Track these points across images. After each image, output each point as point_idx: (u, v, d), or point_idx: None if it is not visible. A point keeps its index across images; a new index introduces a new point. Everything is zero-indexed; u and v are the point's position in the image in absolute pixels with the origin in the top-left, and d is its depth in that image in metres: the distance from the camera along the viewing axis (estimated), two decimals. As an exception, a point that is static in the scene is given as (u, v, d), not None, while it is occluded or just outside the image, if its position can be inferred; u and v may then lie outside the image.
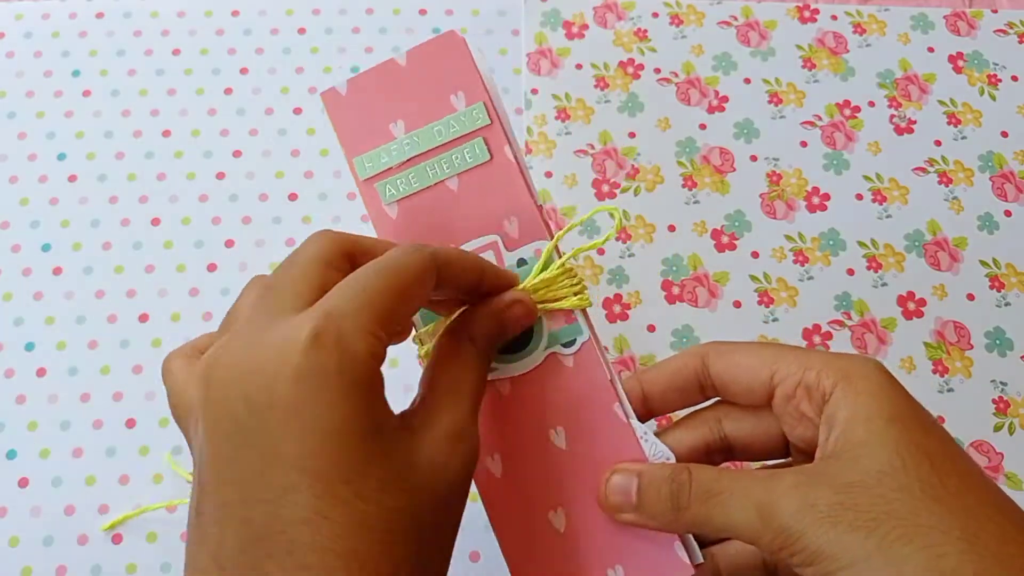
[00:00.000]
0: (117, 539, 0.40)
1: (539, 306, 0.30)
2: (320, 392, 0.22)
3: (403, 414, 0.26)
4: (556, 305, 0.30)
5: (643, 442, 0.30)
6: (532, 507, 0.30)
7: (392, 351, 0.27)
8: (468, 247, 0.31)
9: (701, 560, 0.29)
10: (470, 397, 0.27)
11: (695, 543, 0.29)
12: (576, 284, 0.30)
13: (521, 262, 0.31)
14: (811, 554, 0.24)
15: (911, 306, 0.47)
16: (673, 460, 0.29)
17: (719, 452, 0.31)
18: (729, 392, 0.30)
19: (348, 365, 0.23)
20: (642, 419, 0.31)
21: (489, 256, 0.31)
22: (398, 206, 0.31)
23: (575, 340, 0.30)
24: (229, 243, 0.47)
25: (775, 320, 0.46)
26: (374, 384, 0.24)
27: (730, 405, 0.31)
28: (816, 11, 0.55)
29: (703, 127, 0.51)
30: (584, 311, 0.31)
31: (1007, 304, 0.47)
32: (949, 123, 0.52)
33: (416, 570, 0.23)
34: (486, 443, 0.30)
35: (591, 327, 0.31)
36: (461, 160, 0.31)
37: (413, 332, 0.30)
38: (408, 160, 0.31)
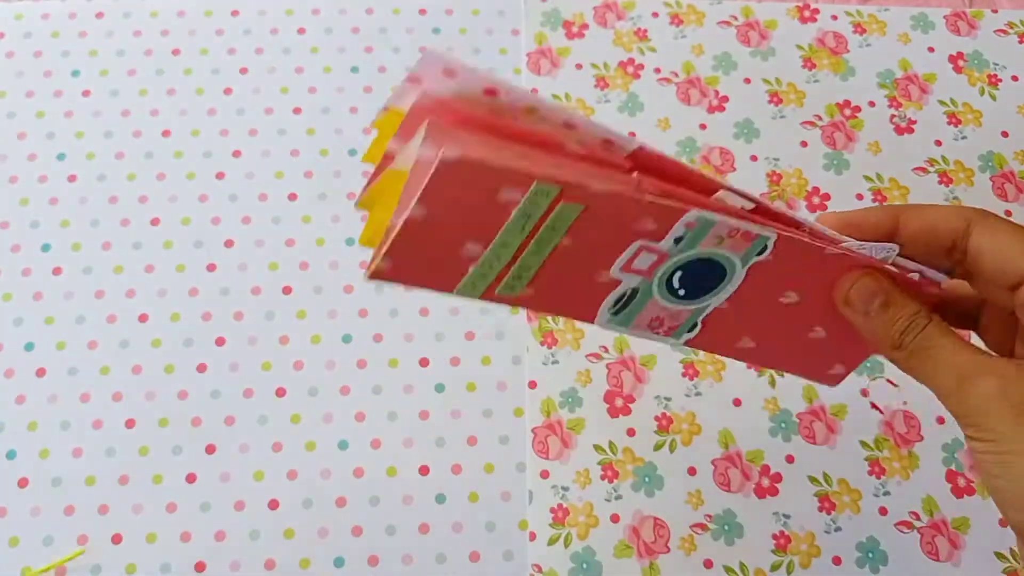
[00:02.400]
0: (117, 539, 0.40)
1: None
2: None
3: None
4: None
5: (862, 250, 0.30)
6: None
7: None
8: (616, 274, 0.30)
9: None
10: None
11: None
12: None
13: (677, 240, 0.29)
14: (988, 431, 0.26)
15: (911, 306, 0.47)
16: (896, 250, 0.30)
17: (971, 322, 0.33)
18: (979, 267, 0.30)
19: None
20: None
21: (647, 258, 0.30)
22: (528, 289, 0.29)
23: (765, 247, 0.30)
24: (229, 243, 0.47)
25: (775, 320, 0.46)
26: None
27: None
28: (816, 11, 0.55)
29: (703, 127, 0.51)
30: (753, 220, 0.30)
31: (1007, 304, 0.47)
32: (949, 123, 0.52)
33: None
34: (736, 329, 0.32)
35: (774, 224, 0.30)
36: (561, 225, 0.28)
37: None
38: (511, 259, 0.28)
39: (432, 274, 0.29)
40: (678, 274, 0.31)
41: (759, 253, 0.31)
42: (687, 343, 0.32)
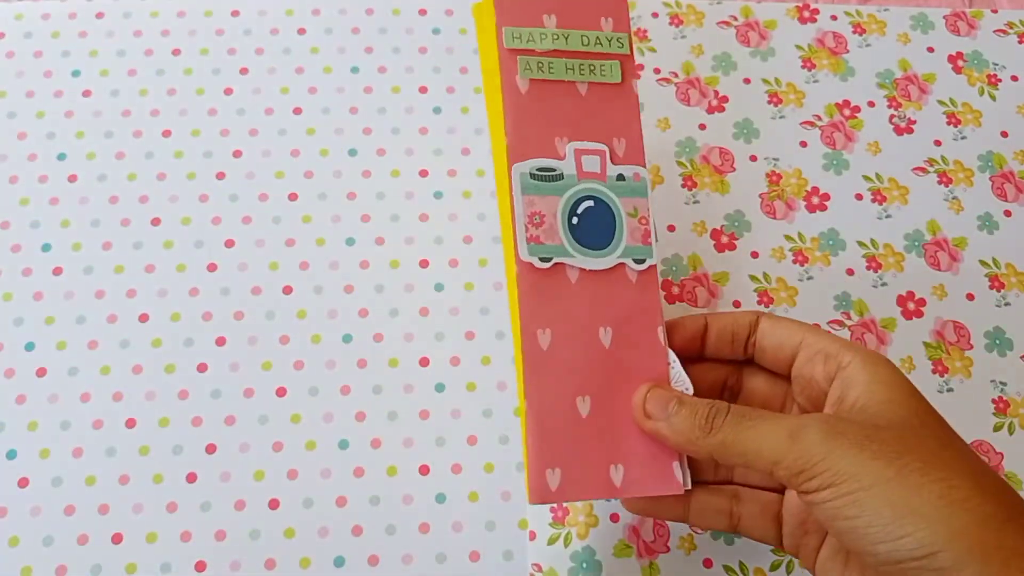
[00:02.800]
0: (117, 539, 0.40)
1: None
2: None
3: None
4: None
5: (671, 368, 0.34)
6: (564, 387, 0.33)
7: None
8: (578, 145, 0.34)
9: (690, 487, 0.33)
10: None
11: (688, 470, 0.33)
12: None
13: (620, 177, 0.35)
14: (833, 475, 0.27)
15: (911, 306, 0.47)
16: (691, 391, 0.33)
17: (729, 398, 0.35)
18: (764, 348, 0.34)
19: None
20: (691, 354, 0.35)
21: (595, 160, 0.35)
22: (530, 83, 0.35)
23: (645, 260, 0.35)
24: (229, 243, 0.47)
25: (775, 320, 0.46)
26: None
27: (755, 365, 0.35)
28: (816, 11, 0.55)
29: (703, 127, 0.51)
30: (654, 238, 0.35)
31: (1007, 304, 0.47)
32: (949, 123, 0.52)
33: None
34: (541, 316, 0.33)
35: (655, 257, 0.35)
36: (597, 72, 0.35)
37: None
38: (552, 51, 0.35)
39: (515, 3, 0.35)
40: (587, 203, 0.34)
41: (639, 261, 0.34)
42: (519, 269, 0.33)
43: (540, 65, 0.35)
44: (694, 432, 0.30)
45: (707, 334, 0.35)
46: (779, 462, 0.28)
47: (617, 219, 0.34)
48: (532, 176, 0.34)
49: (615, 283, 0.34)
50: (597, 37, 0.35)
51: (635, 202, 0.35)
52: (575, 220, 0.34)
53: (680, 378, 0.33)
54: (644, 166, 0.35)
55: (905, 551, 0.26)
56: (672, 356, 0.34)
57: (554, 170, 0.34)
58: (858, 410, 0.29)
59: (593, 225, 0.34)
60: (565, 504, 0.42)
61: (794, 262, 0.48)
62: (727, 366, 0.36)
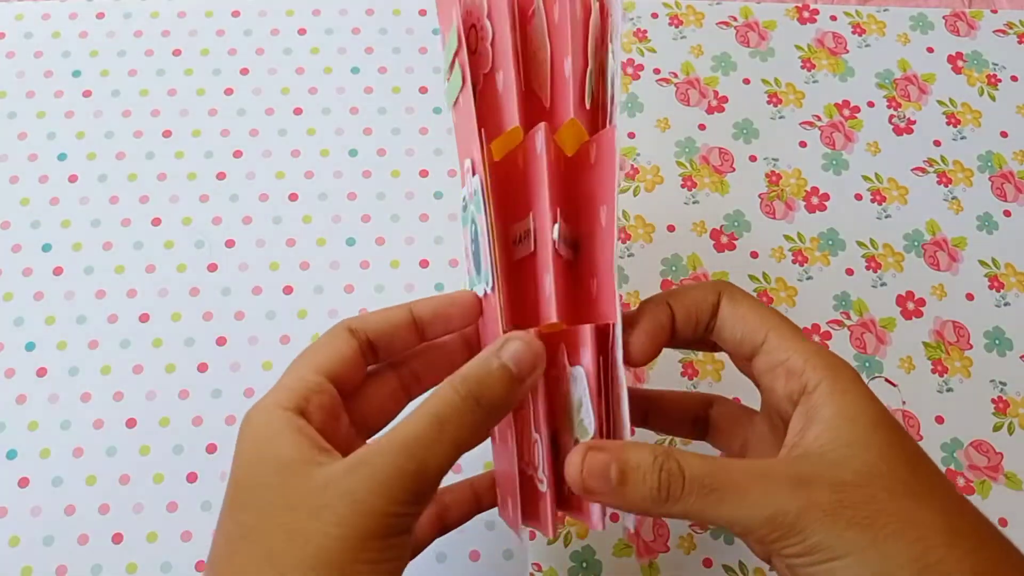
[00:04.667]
0: (117, 539, 0.40)
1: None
2: None
3: None
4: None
5: (580, 408, 0.29)
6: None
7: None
8: (464, 166, 0.32)
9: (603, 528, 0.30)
10: None
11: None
12: None
13: (474, 194, 0.31)
14: (810, 546, 0.26)
15: (910, 306, 0.47)
16: (629, 431, 0.29)
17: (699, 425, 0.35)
18: (724, 339, 0.31)
19: None
20: (661, 347, 0.31)
21: (467, 179, 0.31)
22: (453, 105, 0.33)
23: (479, 287, 0.31)
24: (229, 243, 0.47)
25: (775, 320, 0.46)
26: None
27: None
28: (815, 11, 0.55)
29: (702, 127, 0.51)
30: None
31: (1006, 304, 0.47)
32: (948, 123, 0.52)
33: None
34: (485, 340, 0.32)
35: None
36: (454, 81, 0.32)
37: None
38: (450, 65, 0.32)
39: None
40: (472, 227, 0.32)
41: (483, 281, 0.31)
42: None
43: (449, 89, 0.33)
44: (652, 502, 0.26)
45: (674, 322, 0.31)
46: (752, 533, 0.26)
47: (483, 241, 0.31)
48: (463, 208, 0.33)
49: (489, 310, 0.31)
50: (448, 41, 0.32)
51: (481, 219, 0.30)
52: (472, 247, 0.32)
53: (590, 417, 0.29)
54: (481, 175, 0.30)
55: None
56: (584, 389, 0.29)
57: (463, 198, 0.33)
58: (821, 452, 0.27)
59: (476, 250, 0.31)
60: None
61: (793, 262, 0.48)
62: (694, 399, 0.35)
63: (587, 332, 0.29)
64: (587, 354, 0.29)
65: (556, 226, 0.29)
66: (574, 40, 0.31)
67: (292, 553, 0.25)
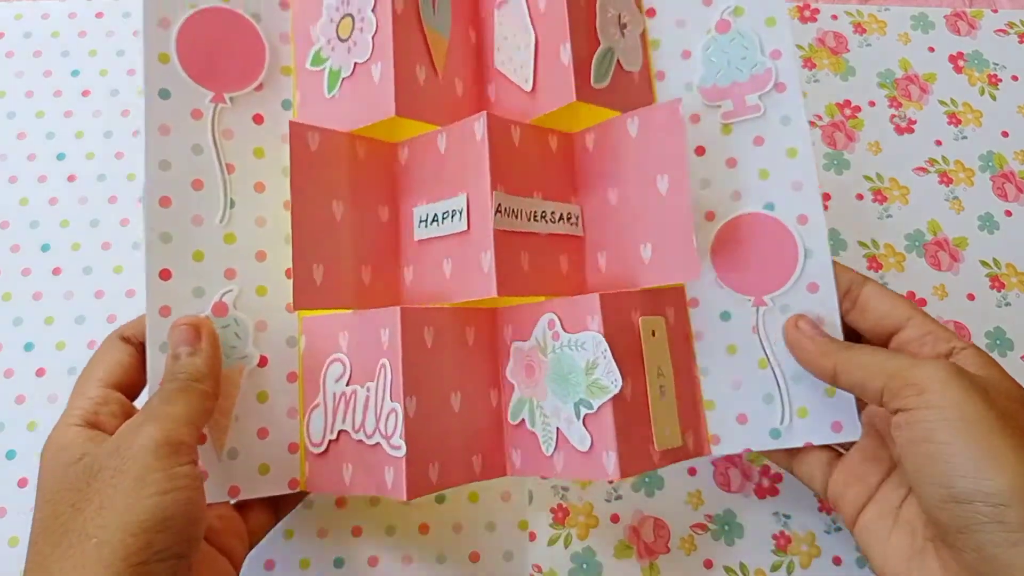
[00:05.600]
0: (117, 539, 0.40)
1: None
2: None
3: None
4: None
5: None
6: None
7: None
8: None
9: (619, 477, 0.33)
10: None
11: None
12: None
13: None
14: (941, 397, 0.29)
15: (911, 306, 0.47)
16: (620, 385, 0.32)
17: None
18: (867, 308, 0.36)
19: None
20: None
21: None
22: None
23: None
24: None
25: (775, 320, 0.46)
26: None
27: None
28: (816, 11, 0.55)
29: (703, 127, 0.51)
30: None
31: (1007, 304, 0.47)
32: (949, 123, 0.52)
33: None
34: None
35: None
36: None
37: None
38: None
39: None
40: None
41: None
42: None
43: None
44: (827, 345, 0.34)
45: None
46: (899, 373, 0.30)
47: None
48: None
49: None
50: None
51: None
52: None
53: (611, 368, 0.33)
54: None
55: (982, 493, 0.27)
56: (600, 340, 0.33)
57: None
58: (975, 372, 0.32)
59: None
60: (565, 504, 0.42)
61: (794, 262, 0.48)
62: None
63: (594, 301, 0.32)
64: (595, 321, 0.32)
65: (494, 206, 0.33)
66: (575, 26, 0.33)
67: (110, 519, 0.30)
